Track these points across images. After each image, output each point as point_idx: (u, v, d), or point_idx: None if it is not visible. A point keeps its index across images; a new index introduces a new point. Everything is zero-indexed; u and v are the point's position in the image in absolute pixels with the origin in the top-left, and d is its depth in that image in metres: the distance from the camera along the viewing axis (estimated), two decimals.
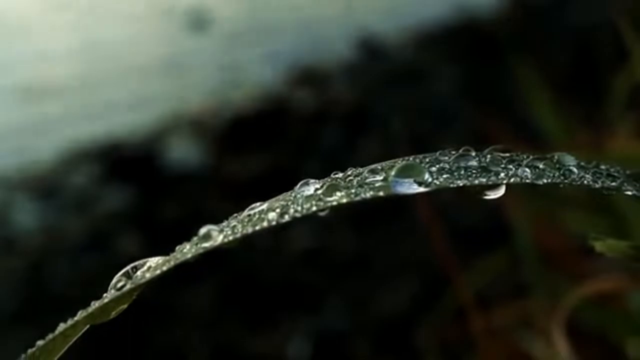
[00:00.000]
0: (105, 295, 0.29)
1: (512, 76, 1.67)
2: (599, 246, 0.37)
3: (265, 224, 0.28)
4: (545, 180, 0.31)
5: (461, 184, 0.30)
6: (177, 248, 0.30)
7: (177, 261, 0.28)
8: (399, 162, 0.31)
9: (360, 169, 0.31)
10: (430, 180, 0.30)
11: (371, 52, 3.58)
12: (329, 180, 0.31)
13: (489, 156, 0.32)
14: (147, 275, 0.29)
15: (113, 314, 0.29)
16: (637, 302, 0.97)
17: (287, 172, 2.66)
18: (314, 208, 0.29)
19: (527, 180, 0.31)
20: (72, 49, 3.73)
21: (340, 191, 0.29)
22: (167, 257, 0.30)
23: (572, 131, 1.35)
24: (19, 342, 1.96)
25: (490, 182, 0.30)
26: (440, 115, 2.92)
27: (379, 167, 0.31)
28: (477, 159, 0.32)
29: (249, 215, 0.29)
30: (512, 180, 0.30)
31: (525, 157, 0.32)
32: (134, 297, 0.29)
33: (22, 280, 2.35)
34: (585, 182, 0.31)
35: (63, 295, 2.21)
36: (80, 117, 3.21)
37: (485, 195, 0.31)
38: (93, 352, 1.76)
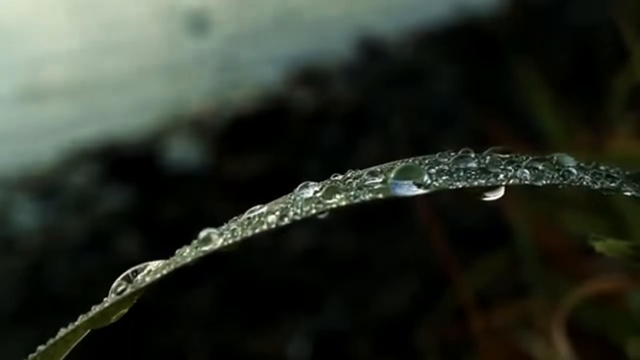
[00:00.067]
0: (105, 299, 0.29)
1: (512, 76, 1.67)
2: (598, 246, 0.37)
3: (264, 227, 0.28)
4: (544, 182, 0.31)
5: (460, 186, 0.30)
6: (177, 251, 0.30)
7: (177, 265, 0.28)
8: (398, 164, 0.31)
9: (360, 171, 0.31)
10: (429, 182, 0.30)
11: (371, 52, 3.57)
12: (328, 182, 0.31)
13: (488, 158, 0.32)
14: (148, 279, 0.29)
15: (114, 318, 0.29)
16: (637, 302, 0.97)
17: (287, 172, 2.66)
18: (314, 211, 0.29)
19: (527, 182, 0.31)
20: (73, 50, 3.73)
21: (340, 194, 0.29)
22: (167, 261, 0.30)
23: (572, 131, 1.35)
24: (19, 343, 1.96)
25: (489, 184, 0.30)
26: (440, 115, 2.91)
27: (378, 169, 0.31)
28: (476, 160, 0.31)
29: (249, 218, 0.29)
30: (511, 181, 0.30)
31: (524, 158, 0.32)
32: (134, 301, 0.29)
33: (22, 280, 2.35)
34: (585, 183, 0.31)
35: (63, 295, 2.21)
36: (80, 117, 3.21)
37: (485, 196, 0.31)
38: (93, 353, 1.76)
